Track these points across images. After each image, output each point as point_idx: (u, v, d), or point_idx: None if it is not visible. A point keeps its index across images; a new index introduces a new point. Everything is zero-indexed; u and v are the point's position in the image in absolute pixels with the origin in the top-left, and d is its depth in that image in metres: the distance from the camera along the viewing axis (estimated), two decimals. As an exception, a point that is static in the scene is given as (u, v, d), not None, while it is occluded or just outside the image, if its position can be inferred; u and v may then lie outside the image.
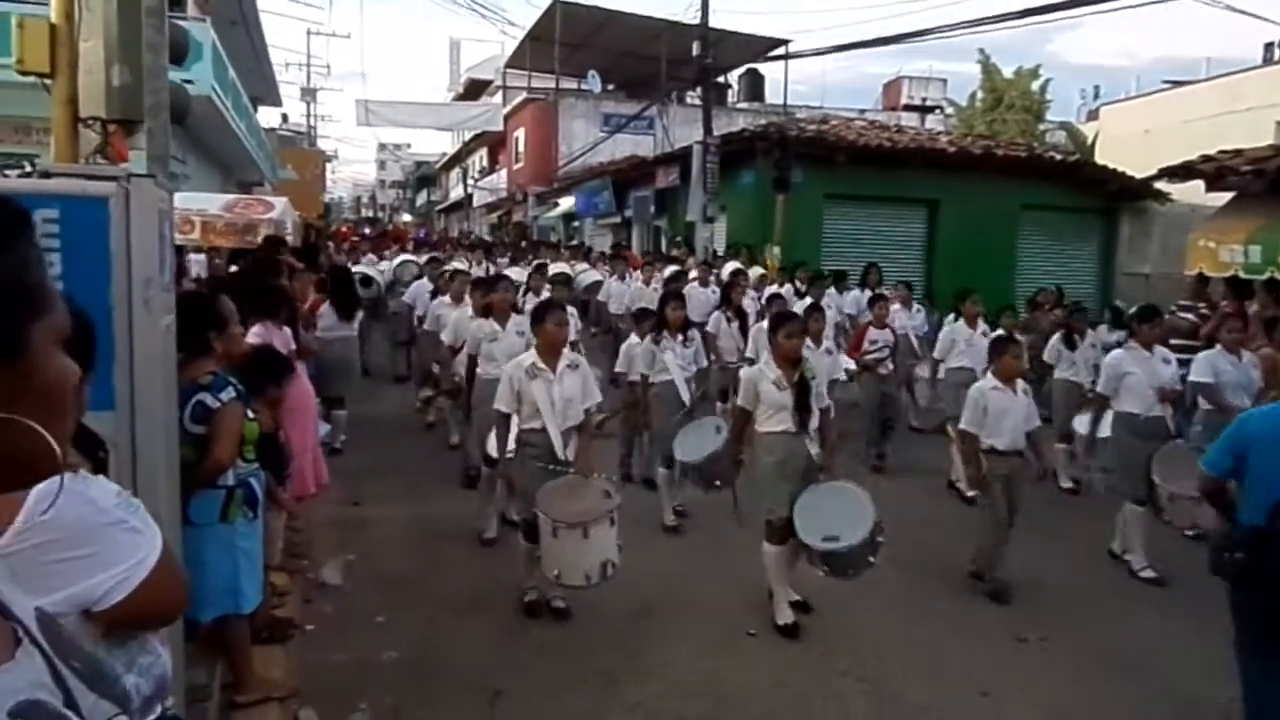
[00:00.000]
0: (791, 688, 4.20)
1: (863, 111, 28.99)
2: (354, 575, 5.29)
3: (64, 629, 0.97)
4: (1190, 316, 9.25)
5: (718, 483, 5.76)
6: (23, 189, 2.28)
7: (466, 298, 7.69)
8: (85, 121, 4.54)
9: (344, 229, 30.58)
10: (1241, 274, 9.44)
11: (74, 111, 4.48)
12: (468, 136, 39.12)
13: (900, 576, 5.30)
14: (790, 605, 4.78)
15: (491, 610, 4.90)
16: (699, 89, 19.84)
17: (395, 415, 9.49)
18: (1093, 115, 24.51)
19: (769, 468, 4.75)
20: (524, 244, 22.33)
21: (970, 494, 7.35)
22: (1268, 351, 6.55)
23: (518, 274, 10.70)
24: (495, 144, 37.12)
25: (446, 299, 8.55)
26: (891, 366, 8.17)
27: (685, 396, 6.52)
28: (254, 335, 4.62)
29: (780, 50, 24.92)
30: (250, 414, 3.47)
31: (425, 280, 10.26)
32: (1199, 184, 11.40)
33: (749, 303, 9.13)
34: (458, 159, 44.69)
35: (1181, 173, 11.30)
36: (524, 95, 31.04)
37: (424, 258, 12.82)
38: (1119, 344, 9.01)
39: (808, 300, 9.14)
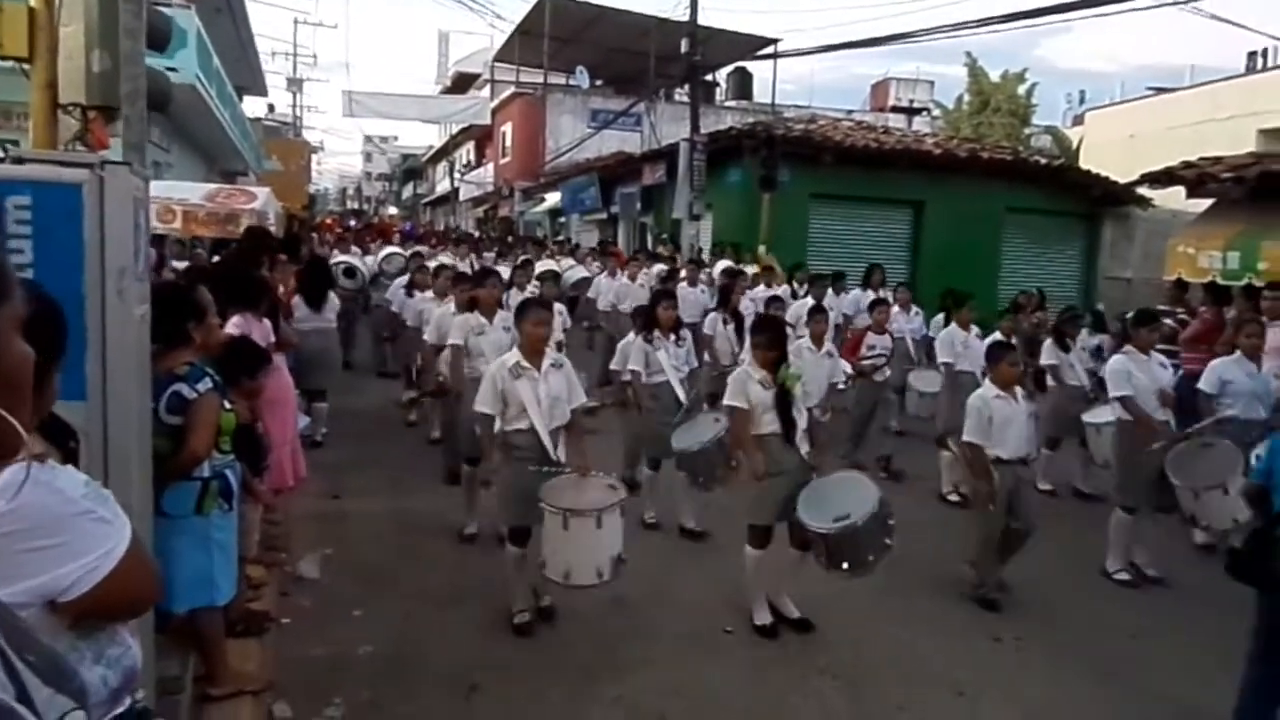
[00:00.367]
0: (770, 685, 4.22)
1: (850, 112, 29.09)
2: (332, 569, 5.26)
3: (20, 622, 0.96)
4: (1169, 322, 9.33)
5: (702, 479, 5.72)
6: (-5, 174, 2.25)
7: (450, 294, 7.47)
8: (65, 108, 4.48)
9: (329, 220, 30.40)
10: (1219, 280, 9.54)
11: (53, 97, 4.42)
12: (455, 130, 38.96)
13: (877, 577, 5.25)
14: (789, 622, 4.73)
15: (470, 605, 4.89)
16: (687, 86, 19.83)
17: (378, 409, 9.44)
18: (1078, 120, 24.72)
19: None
20: (509, 239, 22.26)
21: (952, 497, 7.28)
22: None
23: (504, 270, 10.63)
24: (482, 138, 36.99)
25: (430, 294, 8.46)
26: (889, 373, 8.01)
27: (682, 396, 6.42)
28: (233, 326, 4.58)
29: (769, 49, 24.97)
30: (227, 405, 3.44)
31: (403, 276, 10.16)
32: (1180, 190, 11.50)
33: (746, 304, 8.95)
34: (444, 152, 44.50)
35: (1163, 179, 11.40)
36: (512, 89, 30.96)
37: (409, 251, 12.75)
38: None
39: (809, 301, 9.00)
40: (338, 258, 11.84)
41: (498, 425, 4.66)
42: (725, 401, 4.93)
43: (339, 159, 72.21)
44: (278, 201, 13.27)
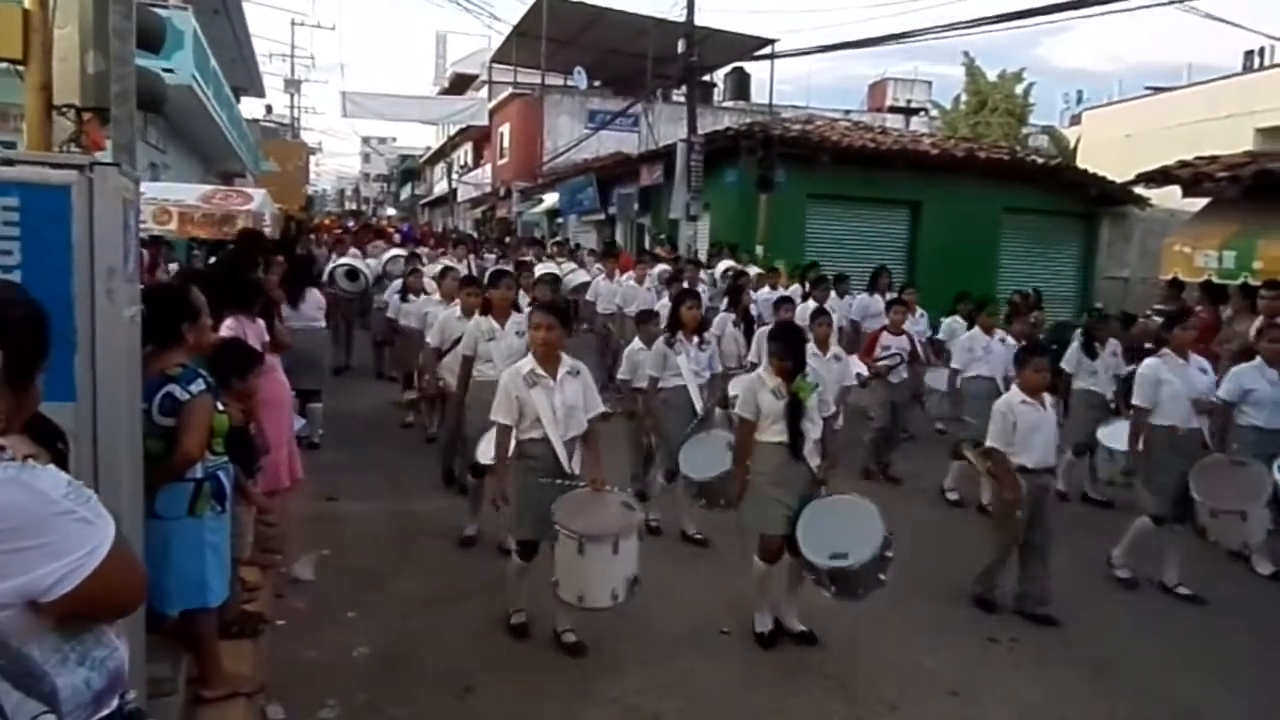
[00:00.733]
0: (765, 686, 4.21)
1: (848, 112, 29.11)
2: (328, 570, 5.26)
3: None
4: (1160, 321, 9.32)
5: (723, 501, 5.40)
6: (-17, 175, 2.25)
7: (456, 297, 7.22)
8: (60, 109, 4.49)
9: (328, 221, 30.40)
10: (1215, 279, 9.54)
11: (48, 99, 4.42)
12: (453, 131, 38.98)
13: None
14: (793, 635, 4.61)
15: (466, 606, 4.88)
16: (684, 87, 19.84)
17: (375, 411, 9.43)
18: (1075, 120, 24.75)
19: (764, 481, 4.52)
20: (507, 240, 22.26)
21: (951, 497, 7.18)
22: None
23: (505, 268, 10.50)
24: (480, 139, 37.04)
25: (435, 297, 8.27)
26: (905, 375, 7.84)
27: (698, 403, 6.13)
28: (227, 328, 4.57)
29: (766, 50, 24.99)
30: (220, 407, 3.44)
31: (399, 280, 9.96)
32: (1177, 189, 11.51)
33: (752, 305, 8.83)
34: (442, 153, 44.52)
35: (1159, 178, 11.42)
36: (510, 90, 31.01)
37: (408, 253, 12.66)
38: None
39: (810, 305, 8.76)
40: (339, 260, 11.58)
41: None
42: (736, 411, 4.73)
43: (337, 160, 72.33)
44: (275, 203, 13.27)
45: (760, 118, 21.33)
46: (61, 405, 2.13)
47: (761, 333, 7.25)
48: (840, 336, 8.05)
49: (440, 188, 44.85)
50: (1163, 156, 11.57)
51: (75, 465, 2.02)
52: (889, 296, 9.42)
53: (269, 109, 39.25)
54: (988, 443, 5.14)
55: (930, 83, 36.18)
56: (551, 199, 26.63)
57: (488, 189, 35.67)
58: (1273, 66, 17.88)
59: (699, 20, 18.03)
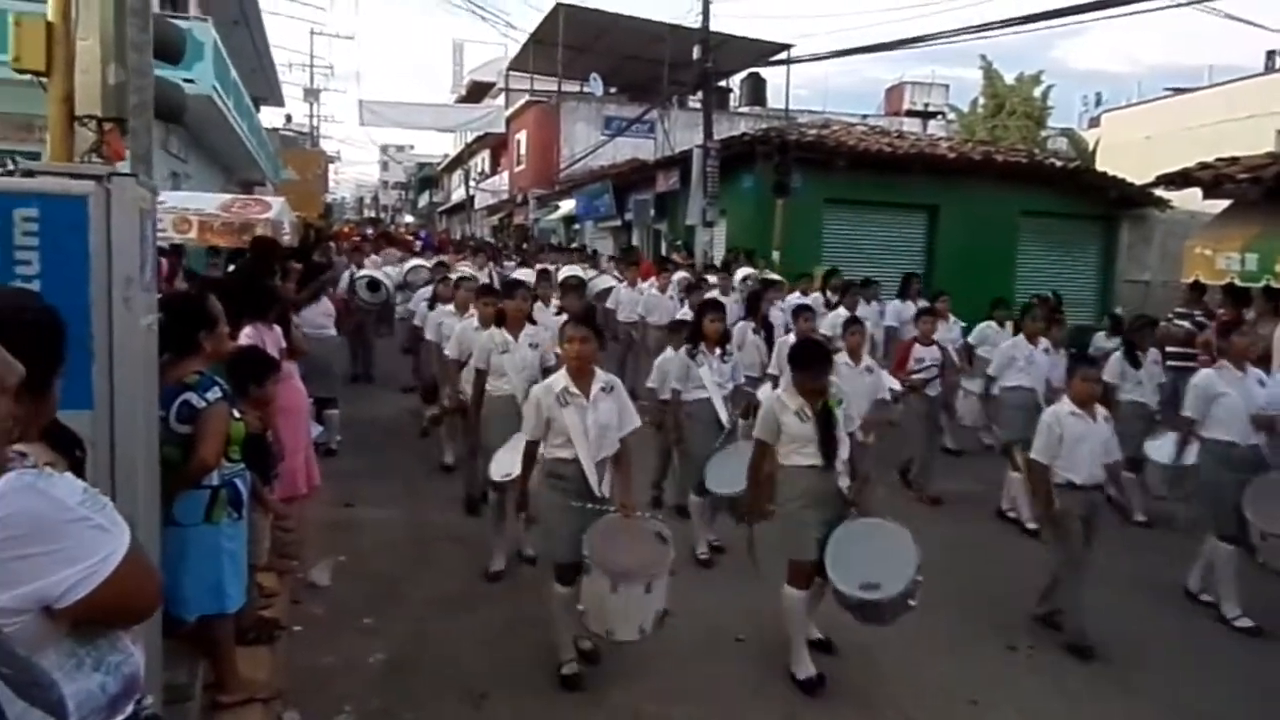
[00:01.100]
0: (778, 693, 4.19)
1: (865, 116, 29.00)
2: (344, 577, 5.29)
3: None
4: (1186, 324, 9.23)
5: (743, 516, 5.14)
6: (2, 187, 2.29)
7: (472, 307, 6.88)
8: (81, 120, 4.56)
9: (347, 229, 30.63)
10: (1238, 282, 9.41)
11: (70, 110, 4.50)
12: (470, 138, 39.19)
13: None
14: (811, 644, 4.45)
15: (481, 613, 4.90)
16: (700, 93, 19.85)
17: (394, 418, 9.45)
18: (1094, 122, 24.57)
19: (794, 506, 4.30)
20: (525, 245, 22.32)
21: (1031, 526, 6.62)
22: None
23: (526, 274, 10.23)
24: (497, 146, 37.20)
25: (450, 307, 7.95)
26: (941, 388, 7.55)
27: (723, 416, 5.98)
28: (245, 336, 4.62)
29: (782, 55, 24.97)
30: (236, 414, 3.47)
31: (427, 288, 9.68)
32: (1198, 191, 11.38)
33: (775, 313, 8.65)
34: (459, 161, 44.71)
35: (1179, 180, 11.28)
36: (526, 98, 31.13)
37: (432, 262, 12.47)
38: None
39: (842, 312, 8.54)
40: (360, 271, 11.29)
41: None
42: (755, 434, 4.55)
43: (356, 168, 72.73)
44: (294, 211, 13.37)
45: (776, 123, 21.30)
46: (79, 413, 2.15)
47: (782, 342, 7.13)
48: (872, 347, 7.77)
49: (458, 195, 45.06)
50: (1183, 158, 11.44)
51: (92, 472, 2.04)
52: (920, 304, 9.21)
53: (288, 118, 39.76)
54: (1031, 455, 4.96)
55: (948, 86, 35.94)
56: (568, 205, 26.70)
57: (505, 196, 35.81)
58: (1295, 66, 17.68)
59: (714, 26, 18.04)
